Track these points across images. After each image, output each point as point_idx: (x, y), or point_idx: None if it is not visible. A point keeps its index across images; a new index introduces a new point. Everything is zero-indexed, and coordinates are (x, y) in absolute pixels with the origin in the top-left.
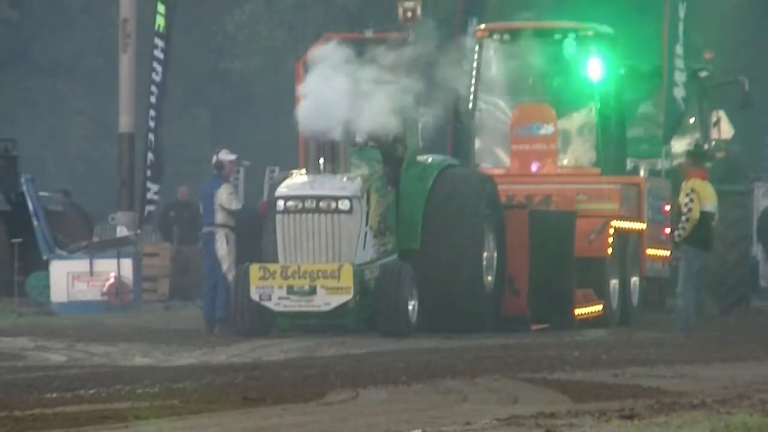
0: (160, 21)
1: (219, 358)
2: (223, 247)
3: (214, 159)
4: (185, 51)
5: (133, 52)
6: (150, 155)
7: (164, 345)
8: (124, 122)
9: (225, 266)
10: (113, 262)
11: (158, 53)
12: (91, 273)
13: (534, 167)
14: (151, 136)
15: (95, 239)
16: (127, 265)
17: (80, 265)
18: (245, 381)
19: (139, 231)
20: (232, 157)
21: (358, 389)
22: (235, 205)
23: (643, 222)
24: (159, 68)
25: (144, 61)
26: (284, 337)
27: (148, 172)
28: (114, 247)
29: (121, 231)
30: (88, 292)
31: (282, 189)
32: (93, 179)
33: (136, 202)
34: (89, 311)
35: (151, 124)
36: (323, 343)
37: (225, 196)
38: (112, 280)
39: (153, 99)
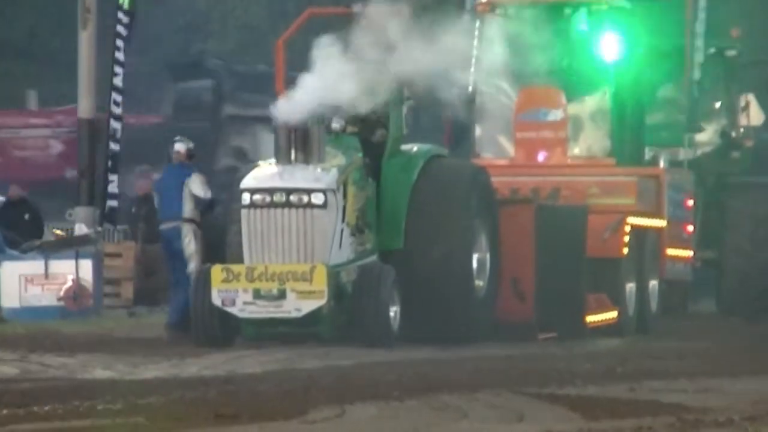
0: None
1: (189, 371)
2: (191, 244)
3: (183, 147)
4: (151, 30)
5: (94, 29)
6: (112, 144)
7: (128, 356)
8: (84, 107)
9: (192, 265)
10: (71, 263)
11: (123, 29)
12: (46, 275)
13: (541, 157)
14: (113, 123)
15: (51, 237)
16: (86, 266)
17: (34, 266)
18: (218, 396)
19: (99, 228)
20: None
21: (345, 405)
22: (209, 194)
23: (663, 218)
24: (123, 46)
25: (106, 40)
26: (261, 348)
27: (110, 163)
28: (72, 246)
29: (80, 228)
30: (43, 296)
31: (248, 180)
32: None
33: (96, 196)
34: (44, 318)
35: (114, 109)
36: (305, 354)
37: (199, 184)
38: (69, 283)
39: (116, 81)
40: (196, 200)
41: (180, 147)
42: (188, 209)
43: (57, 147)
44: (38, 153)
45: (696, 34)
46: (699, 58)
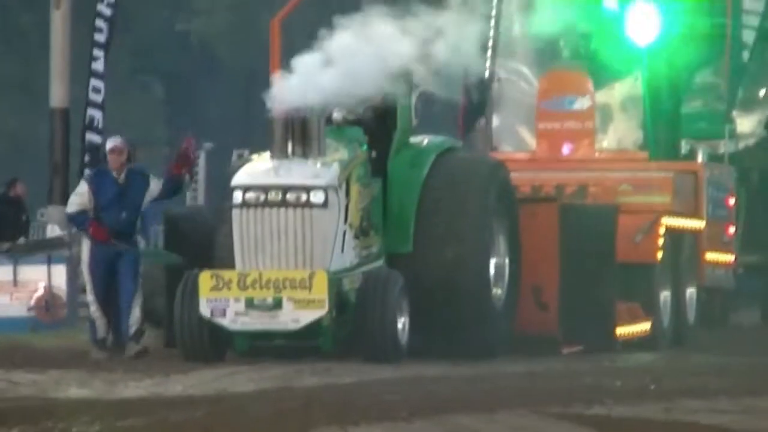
0: None
1: (174, 389)
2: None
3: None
4: (132, 7)
5: (68, 8)
6: (89, 135)
7: (106, 372)
8: (58, 94)
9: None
10: (42, 268)
11: (103, 8)
12: (15, 282)
13: (566, 150)
14: (91, 112)
15: (20, 240)
16: (59, 272)
17: (1, 272)
18: (207, 417)
19: (74, 230)
20: (109, 144)
21: (347, 427)
22: (68, 208)
23: (702, 219)
24: (105, 27)
25: (82, 19)
26: (254, 363)
27: (87, 157)
28: (43, 249)
29: (53, 230)
30: (11, 306)
31: (240, 177)
32: (20, 164)
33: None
34: (12, 330)
35: (93, 96)
36: (303, 370)
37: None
38: (40, 291)
39: (96, 65)
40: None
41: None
42: None
43: None
44: None
45: (740, 12)
46: (747, 38)
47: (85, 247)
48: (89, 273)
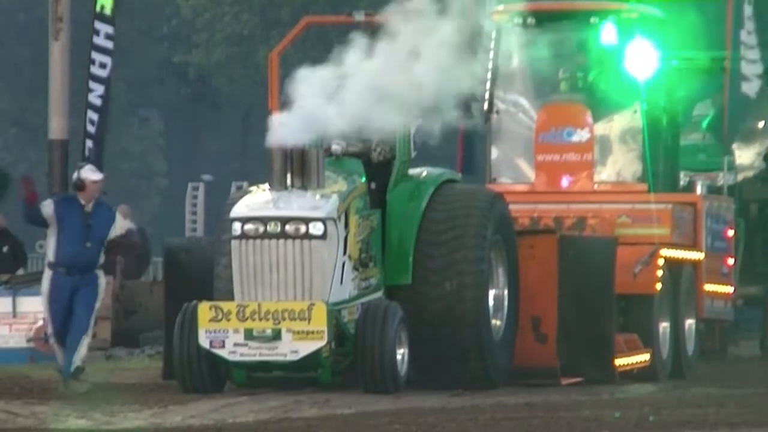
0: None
1: (173, 420)
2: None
3: (75, 176)
4: (131, 39)
5: (67, 40)
6: None
7: (105, 403)
8: (56, 126)
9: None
10: (42, 300)
11: (100, 41)
12: (14, 314)
13: (565, 182)
14: (89, 144)
15: (20, 272)
16: None
17: (0, 304)
18: None
19: None
20: (97, 176)
21: None
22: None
23: (701, 251)
24: (105, 60)
25: (80, 51)
26: (253, 394)
27: None
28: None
29: None
30: (11, 337)
31: (239, 209)
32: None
33: None
34: (12, 361)
35: (90, 128)
36: (302, 402)
37: None
38: (40, 322)
39: (92, 98)
40: None
41: (75, 176)
42: None
43: None
44: None
45: (741, 45)
46: (754, 70)
47: (46, 278)
48: (48, 304)
